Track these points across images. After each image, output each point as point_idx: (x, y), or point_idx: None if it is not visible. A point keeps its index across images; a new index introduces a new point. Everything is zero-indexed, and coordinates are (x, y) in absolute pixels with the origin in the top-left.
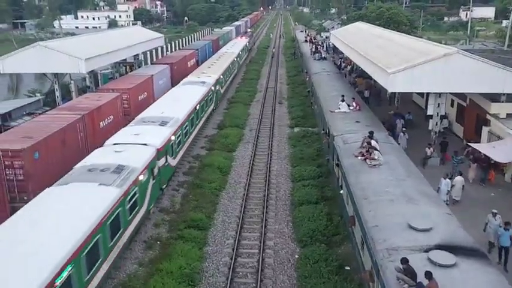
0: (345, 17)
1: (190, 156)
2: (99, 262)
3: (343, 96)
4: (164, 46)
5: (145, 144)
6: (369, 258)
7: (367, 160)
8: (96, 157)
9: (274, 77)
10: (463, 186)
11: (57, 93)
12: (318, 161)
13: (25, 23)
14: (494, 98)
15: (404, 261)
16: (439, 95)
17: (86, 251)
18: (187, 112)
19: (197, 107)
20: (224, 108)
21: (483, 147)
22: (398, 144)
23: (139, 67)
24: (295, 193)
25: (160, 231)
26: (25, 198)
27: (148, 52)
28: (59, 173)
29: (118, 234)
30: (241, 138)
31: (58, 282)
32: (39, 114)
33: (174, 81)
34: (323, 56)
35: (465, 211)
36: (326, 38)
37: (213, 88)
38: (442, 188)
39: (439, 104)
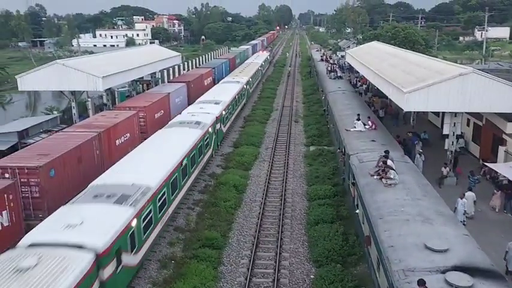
0: (361, 37)
1: (206, 174)
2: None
3: (358, 115)
4: (181, 64)
5: (208, 113)
6: (385, 279)
7: (383, 179)
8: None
9: (290, 95)
10: (475, 201)
11: (74, 111)
12: (334, 180)
13: (44, 41)
14: (510, 117)
15: (421, 282)
16: (455, 114)
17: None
18: (231, 98)
19: (236, 97)
20: (240, 126)
21: (500, 167)
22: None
23: (156, 85)
24: (311, 212)
25: (175, 250)
26: (40, 215)
27: (165, 70)
28: (75, 190)
29: (201, 157)
30: (257, 156)
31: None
32: (56, 131)
33: (191, 100)
34: (339, 74)
35: (483, 234)
36: (342, 57)
37: (245, 86)
38: (459, 208)
39: (454, 124)
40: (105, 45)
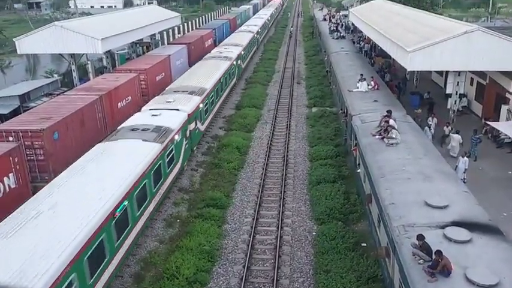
0: None
1: (209, 136)
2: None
3: (361, 75)
4: (181, 25)
5: (177, 110)
6: (385, 235)
7: (385, 139)
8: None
9: (292, 57)
10: (461, 143)
11: (75, 74)
12: (336, 141)
13: (40, 3)
14: None
15: (421, 237)
16: (459, 73)
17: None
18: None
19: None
20: (242, 88)
21: (502, 125)
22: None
23: (156, 47)
24: (313, 172)
25: (180, 209)
26: (46, 177)
27: (165, 32)
28: (78, 153)
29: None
30: (259, 118)
31: (117, 213)
32: (57, 95)
33: (191, 61)
34: (342, 34)
35: (482, 192)
36: (345, 16)
37: (269, 19)
38: (460, 166)
39: (458, 83)
40: (102, 7)
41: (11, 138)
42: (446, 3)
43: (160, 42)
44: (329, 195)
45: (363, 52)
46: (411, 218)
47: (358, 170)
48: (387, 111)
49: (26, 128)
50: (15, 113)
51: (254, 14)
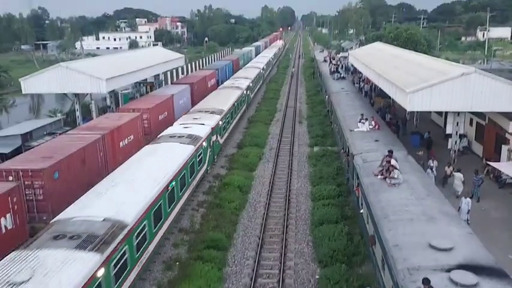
0: (363, 38)
1: (211, 175)
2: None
3: (362, 115)
4: (184, 66)
5: (203, 124)
6: (389, 278)
7: (387, 179)
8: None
9: (294, 96)
10: (463, 182)
11: (78, 113)
12: (338, 180)
13: (47, 44)
14: None
15: (426, 281)
16: (458, 113)
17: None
18: (232, 101)
19: (250, 84)
20: (244, 127)
21: (503, 166)
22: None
23: (159, 87)
24: (315, 212)
25: (180, 251)
26: (44, 218)
27: (168, 72)
28: (79, 192)
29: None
30: (261, 157)
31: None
32: (60, 134)
33: (194, 101)
34: (342, 75)
35: (486, 232)
36: (344, 58)
37: (272, 57)
38: (463, 207)
39: (457, 123)
40: (108, 48)
41: (10, 178)
42: (443, 46)
43: (163, 82)
44: (332, 237)
45: (363, 92)
46: (416, 261)
47: (361, 211)
48: (388, 151)
49: (26, 168)
50: (16, 152)
51: (256, 55)
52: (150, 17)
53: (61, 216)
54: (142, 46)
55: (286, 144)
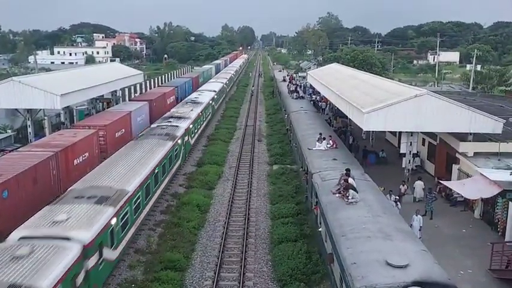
0: (321, 58)
1: (168, 194)
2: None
3: (320, 134)
4: (143, 83)
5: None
6: None
7: (344, 197)
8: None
9: (254, 114)
10: (423, 188)
11: (30, 130)
12: (297, 198)
13: None
14: (462, 137)
15: None
16: (411, 133)
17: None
18: (200, 109)
19: (215, 97)
20: (203, 145)
21: (454, 184)
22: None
23: (117, 103)
24: (275, 231)
25: (136, 273)
26: None
27: (126, 89)
28: (29, 212)
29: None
30: (221, 175)
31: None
32: (10, 151)
33: (153, 118)
34: (300, 95)
35: (439, 248)
36: (303, 78)
37: (234, 73)
38: (415, 225)
39: (411, 143)
40: (63, 63)
41: None
42: (396, 68)
43: (121, 98)
44: (291, 255)
45: (321, 110)
46: (373, 279)
47: (320, 229)
48: (346, 170)
49: None
50: None
51: (217, 73)
52: (108, 32)
53: (74, 186)
54: (100, 62)
55: (245, 163)
